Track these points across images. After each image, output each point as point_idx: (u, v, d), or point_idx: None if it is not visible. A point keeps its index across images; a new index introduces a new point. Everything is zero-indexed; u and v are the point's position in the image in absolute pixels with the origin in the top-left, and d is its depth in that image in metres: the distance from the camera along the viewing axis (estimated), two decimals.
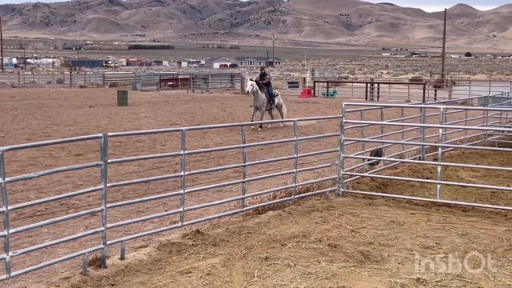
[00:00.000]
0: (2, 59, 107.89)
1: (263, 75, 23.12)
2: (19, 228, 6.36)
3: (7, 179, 5.81)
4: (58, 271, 6.69)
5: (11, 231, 5.90)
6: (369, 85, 40.82)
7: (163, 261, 6.96)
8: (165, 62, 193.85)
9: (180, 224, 7.98)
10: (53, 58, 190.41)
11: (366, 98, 38.23)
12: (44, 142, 8.07)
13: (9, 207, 5.82)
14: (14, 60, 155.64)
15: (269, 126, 21.94)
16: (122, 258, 6.97)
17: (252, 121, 20.72)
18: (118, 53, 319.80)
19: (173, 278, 6.30)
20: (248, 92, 22.35)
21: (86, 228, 8.45)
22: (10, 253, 5.87)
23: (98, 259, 6.78)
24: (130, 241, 7.54)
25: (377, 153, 11.67)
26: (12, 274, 5.93)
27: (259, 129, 21.27)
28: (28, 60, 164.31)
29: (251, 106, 23.15)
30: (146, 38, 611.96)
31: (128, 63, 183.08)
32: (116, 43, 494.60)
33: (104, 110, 29.63)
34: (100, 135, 6.68)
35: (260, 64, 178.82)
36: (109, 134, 6.89)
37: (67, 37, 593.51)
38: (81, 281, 6.29)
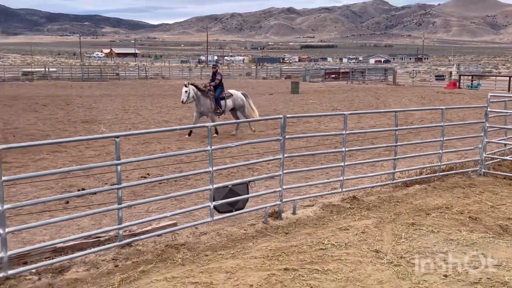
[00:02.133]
0: (207, 56, 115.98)
1: (214, 74, 16.01)
2: (220, 184, 6.85)
3: (213, 147, 6.30)
4: (246, 219, 7.10)
5: (214, 186, 6.38)
6: None
7: (326, 218, 7.01)
8: (329, 59, 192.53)
9: (340, 190, 7.97)
10: (243, 56, 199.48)
11: (509, 90, 34.41)
12: (238, 120, 8.57)
13: (214, 168, 6.29)
14: (215, 58, 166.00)
15: (234, 132, 14.77)
16: (294, 213, 7.18)
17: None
18: (292, 51, 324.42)
19: (334, 233, 6.33)
20: (183, 101, 15.20)
21: (266, 188, 8.80)
22: (214, 203, 6.36)
23: (276, 212, 7.06)
24: (300, 200, 7.71)
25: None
26: (214, 218, 6.42)
27: (187, 136, 14.55)
28: (225, 57, 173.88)
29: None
30: (315, 39, 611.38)
31: (299, 60, 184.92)
32: (291, 43, 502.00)
33: (280, 97, 30.42)
34: (281, 116, 6.91)
35: (410, 59, 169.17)
36: (287, 115, 7.11)
37: (254, 39, 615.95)
38: (263, 228, 6.62)
